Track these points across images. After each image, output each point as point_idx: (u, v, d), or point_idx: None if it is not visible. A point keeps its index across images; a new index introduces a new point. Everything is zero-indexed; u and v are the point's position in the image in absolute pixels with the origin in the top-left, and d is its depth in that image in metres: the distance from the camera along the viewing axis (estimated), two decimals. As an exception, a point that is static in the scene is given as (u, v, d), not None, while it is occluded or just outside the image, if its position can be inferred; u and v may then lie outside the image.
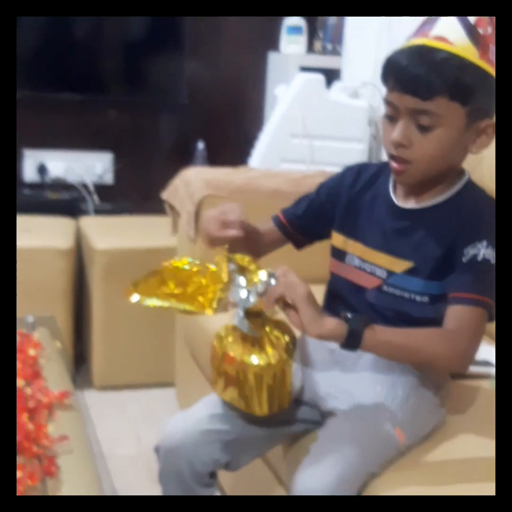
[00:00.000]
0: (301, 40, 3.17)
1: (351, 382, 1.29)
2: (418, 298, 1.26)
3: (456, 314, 1.20)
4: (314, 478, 1.15)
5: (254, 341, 1.19)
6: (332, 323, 1.12)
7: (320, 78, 2.57)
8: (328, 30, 3.24)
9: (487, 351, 1.56)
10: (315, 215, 1.42)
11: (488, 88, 1.20)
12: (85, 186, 3.11)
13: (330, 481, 1.14)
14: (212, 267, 1.16)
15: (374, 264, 1.30)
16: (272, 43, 3.23)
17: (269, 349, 1.19)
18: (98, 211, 3.00)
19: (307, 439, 1.30)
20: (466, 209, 1.25)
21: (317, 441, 1.23)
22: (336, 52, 3.14)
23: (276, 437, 1.36)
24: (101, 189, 3.16)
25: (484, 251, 1.21)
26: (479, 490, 1.04)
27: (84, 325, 2.62)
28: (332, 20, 3.21)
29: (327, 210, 1.39)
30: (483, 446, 1.24)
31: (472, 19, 1.19)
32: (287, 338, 1.21)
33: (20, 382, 1.42)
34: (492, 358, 1.53)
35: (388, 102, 1.23)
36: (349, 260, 1.34)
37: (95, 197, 3.11)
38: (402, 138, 1.21)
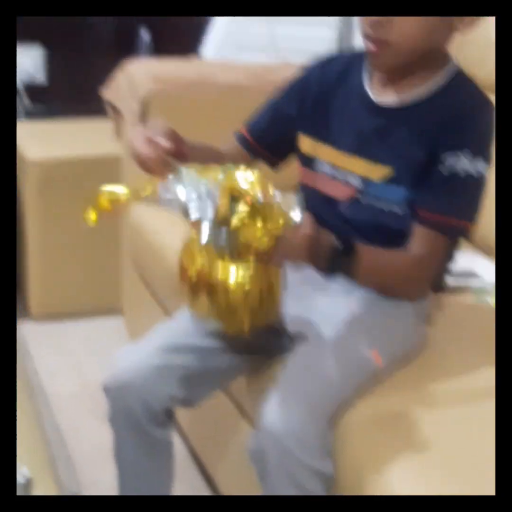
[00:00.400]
0: None
1: (323, 302, 1.31)
2: (397, 209, 1.27)
3: (424, 237, 1.23)
4: (283, 409, 1.18)
5: (232, 258, 1.12)
6: (308, 254, 1.13)
7: None
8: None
9: (470, 261, 1.59)
10: (282, 125, 1.41)
11: None
12: (11, 85, 3.05)
13: (301, 411, 1.17)
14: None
15: (349, 171, 1.30)
16: None
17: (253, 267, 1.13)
18: (29, 114, 2.96)
19: (274, 367, 1.32)
20: (452, 106, 1.25)
21: (285, 369, 1.25)
22: None
23: (238, 366, 1.37)
24: (32, 89, 3.10)
25: (465, 162, 1.21)
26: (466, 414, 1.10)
27: (18, 246, 2.61)
28: None
29: (294, 115, 1.38)
30: (473, 369, 1.29)
31: None
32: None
33: None
34: (476, 268, 1.56)
35: None
36: (319, 168, 1.34)
37: (25, 99, 3.05)
38: (377, 18, 1.19)
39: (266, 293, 1.16)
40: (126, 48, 3.04)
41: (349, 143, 1.30)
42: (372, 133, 1.29)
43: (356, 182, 1.29)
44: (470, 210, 1.24)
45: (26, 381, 1.36)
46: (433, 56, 1.26)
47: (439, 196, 1.23)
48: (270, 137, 1.42)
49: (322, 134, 1.34)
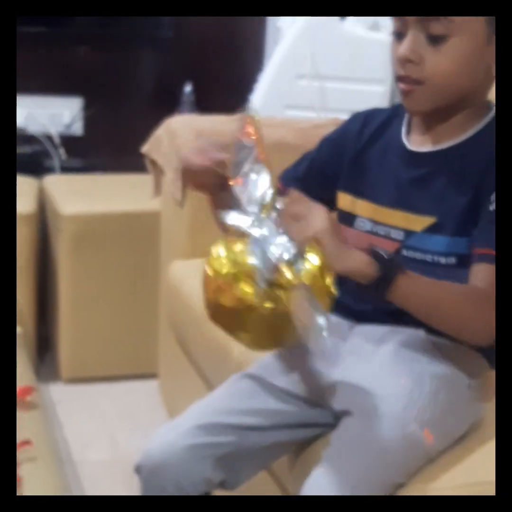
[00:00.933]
0: (310, -39, 3.14)
1: (368, 376, 1.28)
2: (443, 260, 1.26)
3: (486, 272, 1.20)
4: (325, 488, 1.15)
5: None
6: (361, 259, 1.12)
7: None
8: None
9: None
10: (318, 178, 1.42)
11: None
12: (49, 138, 3.09)
13: (345, 491, 1.13)
14: None
15: (389, 225, 1.30)
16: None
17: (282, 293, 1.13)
18: (65, 169, 2.98)
19: (317, 445, 1.29)
20: (491, 148, 1.23)
21: (329, 447, 1.22)
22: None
23: (280, 445, 1.34)
24: (69, 142, 3.14)
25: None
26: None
27: (49, 304, 2.62)
28: None
29: (331, 170, 1.40)
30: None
31: None
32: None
33: (-28, 375, 1.42)
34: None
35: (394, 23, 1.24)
36: (359, 225, 1.34)
37: (62, 151, 3.09)
38: (410, 52, 1.22)
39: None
40: (169, 102, 3.08)
41: (389, 196, 1.31)
42: (411, 183, 1.30)
43: (398, 236, 1.30)
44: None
45: (54, 448, 1.35)
46: (471, 100, 1.27)
47: (491, 231, 1.20)
48: (304, 188, 1.42)
49: (361, 190, 1.35)
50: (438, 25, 1.20)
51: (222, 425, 1.29)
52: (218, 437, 1.29)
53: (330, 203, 1.39)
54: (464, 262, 1.24)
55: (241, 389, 1.34)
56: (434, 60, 1.22)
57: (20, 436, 1.27)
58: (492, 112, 1.29)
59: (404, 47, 1.23)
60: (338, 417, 1.27)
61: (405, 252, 1.28)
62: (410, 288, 1.16)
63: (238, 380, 1.36)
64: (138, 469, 1.33)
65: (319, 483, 1.16)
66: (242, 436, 1.30)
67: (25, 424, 1.33)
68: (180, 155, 1.28)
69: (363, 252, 1.13)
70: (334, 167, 1.40)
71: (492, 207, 1.21)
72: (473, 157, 1.26)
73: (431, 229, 1.26)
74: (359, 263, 1.12)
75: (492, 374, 1.34)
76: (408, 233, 1.28)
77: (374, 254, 1.14)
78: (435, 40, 1.21)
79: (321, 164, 1.42)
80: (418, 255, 1.28)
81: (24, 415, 1.37)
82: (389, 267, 1.14)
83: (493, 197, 1.21)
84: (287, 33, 2.61)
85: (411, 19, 1.21)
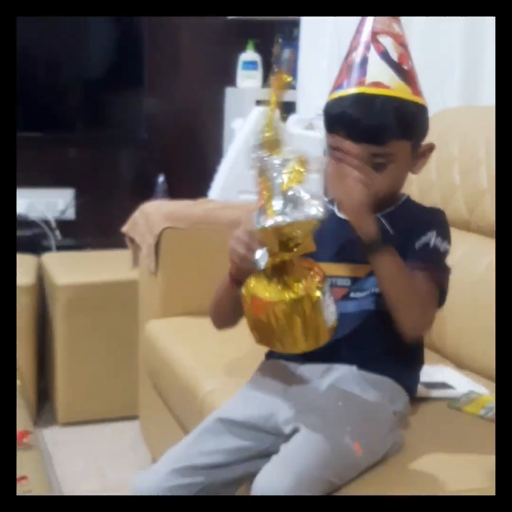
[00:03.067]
0: (257, 75, 3.19)
1: (311, 402, 1.27)
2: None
3: (420, 278, 1.26)
4: (272, 479, 1.13)
5: (278, 281, 1.15)
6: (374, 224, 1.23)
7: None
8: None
9: (444, 373, 1.56)
10: None
11: (424, 118, 1.32)
12: (47, 222, 3.07)
13: (289, 482, 1.12)
14: None
15: (336, 276, 1.31)
16: (229, 78, 3.24)
17: (295, 285, 1.15)
18: (60, 247, 2.95)
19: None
20: (413, 214, 1.35)
21: (278, 453, 1.20)
22: (290, 85, 3.16)
23: (243, 477, 1.30)
24: (63, 225, 3.12)
25: (434, 239, 1.29)
26: None
27: (47, 361, 2.57)
28: (286, 54, 3.23)
29: None
30: (444, 468, 1.23)
31: (394, 56, 1.28)
32: (316, 278, 1.16)
33: (-22, 423, 1.38)
34: (449, 380, 1.52)
35: (337, 148, 1.27)
36: None
37: (57, 233, 3.07)
38: (358, 184, 1.23)
39: (310, 313, 1.15)
40: (146, 191, 3.08)
41: (332, 253, 1.32)
42: (350, 241, 1.29)
43: (345, 283, 1.31)
44: (443, 275, 1.30)
45: (48, 482, 1.30)
46: (395, 196, 1.35)
47: (420, 260, 1.28)
48: None
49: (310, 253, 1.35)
50: (381, 158, 1.25)
51: (193, 467, 1.26)
52: (191, 478, 1.26)
53: None
54: None
55: (208, 432, 1.31)
56: (377, 182, 1.26)
57: (18, 472, 1.23)
58: (405, 196, 1.36)
59: (354, 183, 1.24)
60: (288, 439, 1.23)
61: (352, 294, 1.31)
62: (392, 258, 1.23)
63: (206, 423, 1.33)
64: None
65: (267, 476, 1.14)
66: (211, 474, 1.27)
67: (23, 462, 1.28)
68: (232, 245, 1.25)
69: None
70: None
71: (418, 245, 1.28)
72: (399, 218, 1.32)
73: (372, 273, 1.28)
74: (372, 225, 1.22)
75: (411, 405, 1.34)
76: (354, 279, 1.31)
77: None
78: (378, 168, 1.26)
79: None
80: (362, 294, 1.30)
81: (22, 455, 1.32)
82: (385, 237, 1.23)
83: (418, 242, 1.28)
84: (239, 133, 2.60)
85: (356, 153, 1.24)
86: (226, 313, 1.39)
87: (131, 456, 2.23)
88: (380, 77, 1.26)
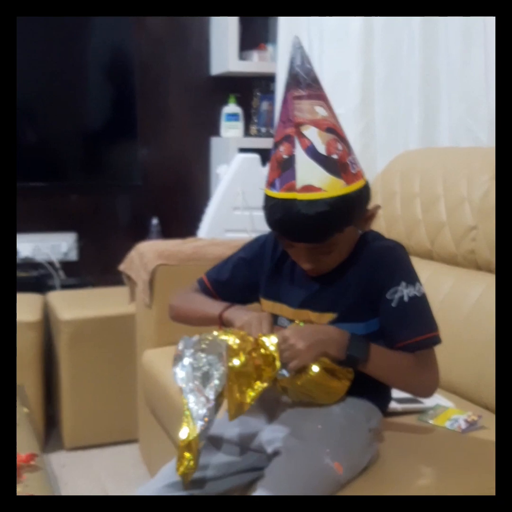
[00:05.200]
0: (239, 125, 3.23)
1: (292, 425, 1.26)
2: None
3: (416, 357, 1.22)
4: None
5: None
6: (343, 347, 1.18)
7: (256, 157, 2.61)
8: (262, 116, 3.31)
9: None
10: (241, 285, 1.38)
11: (363, 196, 1.21)
12: (51, 263, 3.07)
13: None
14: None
15: (303, 322, 1.28)
16: (214, 129, 3.28)
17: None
18: (64, 286, 2.95)
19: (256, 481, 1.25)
20: (373, 253, 1.25)
21: (263, 478, 1.19)
22: (269, 134, 3.20)
23: (232, 489, 1.30)
24: (67, 266, 3.12)
25: (406, 290, 1.21)
26: None
27: (53, 390, 2.55)
28: (264, 106, 3.28)
29: (253, 274, 1.36)
30: (417, 476, 1.23)
31: (321, 148, 1.15)
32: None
33: (-11, 448, 1.37)
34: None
35: (284, 242, 1.23)
36: (280, 322, 1.32)
37: (61, 273, 3.07)
38: (310, 265, 1.23)
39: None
40: (141, 232, 3.09)
41: (300, 301, 1.29)
42: (314, 293, 1.28)
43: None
44: (431, 321, 1.24)
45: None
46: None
47: (403, 325, 1.22)
48: (228, 291, 1.40)
49: (279, 297, 1.33)
50: (326, 248, 1.20)
51: (183, 483, 1.25)
52: (183, 491, 1.25)
53: (246, 301, 1.37)
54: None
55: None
56: (328, 260, 1.23)
57: (26, 492, 1.23)
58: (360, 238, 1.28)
59: (305, 265, 1.23)
60: (270, 459, 1.24)
61: None
62: (376, 361, 1.19)
63: None
64: None
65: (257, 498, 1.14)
66: (203, 487, 1.26)
67: (30, 482, 1.29)
68: (246, 325, 1.23)
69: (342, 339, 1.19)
70: (254, 279, 1.36)
71: (394, 303, 1.20)
72: (359, 266, 1.25)
73: (334, 321, 1.25)
74: (338, 352, 1.18)
75: (384, 420, 1.35)
76: None
77: (352, 337, 1.18)
78: (326, 252, 1.21)
79: (243, 273, 1.38)
80: None
81: (30, 476, 1.32)
82: (363, 348, 1.19)
83: (391, 295, 1.21)
84: (224, 177, 2.63)
85: (303, 248, 1.21)
86: (192, 323, 1.37)
87: (131, 476, 2.21)
88: (310, 179, 1.14)
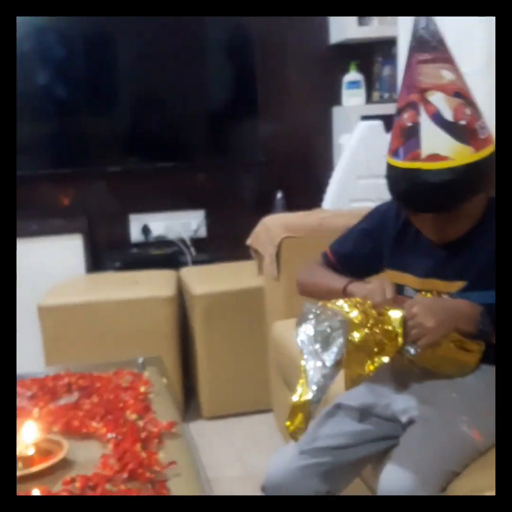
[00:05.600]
0: (360, 93, 3.16)
1: (428, 391, 1.24)
2: None
3: None
4: (397, 479, 1.12)
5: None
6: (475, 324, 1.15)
7: (379, 124, 2.55)
8: (384, 81, 3.22)
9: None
10: (364, 255, 1.37)
11: (493, 163, 1.14)
12: (183, 241, 3.16)
13: (413, 480, 1.10)
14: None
15: (431, 292, 1.25)
16: (335, 98, 3.23)
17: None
18: (195, 262, 3.03)
19: (392, 453, 1.24)
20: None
21: (398, 448, 1.19)
22: (392, 100, 3.11)
23: (366, 457, 1.31)
24: (197, 242, 3.20)
25: None
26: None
27: (190, 362, 2.64)
28: (386, 71, 3.19)
29: (376, 244, 1.34)
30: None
31: (448, 114, 1.10)
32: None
33: (132, 416, 1.44)
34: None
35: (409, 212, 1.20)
36: (406, 292, 1.29)
37: (192, 250, 3.16)
38: (437, 235, 1.20)
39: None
40: (266, 207, 3.12)
41: (427, 270, 1.26)
42: (443, 261, 1.24)
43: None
44: None
45: (194, 467, 1.32)
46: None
47: None
48: (352, 263, 1.38)
49: (404, 266, 1.30)
50: (455, 212, 1.16)
51: (319, 449, 1.28)
52: (318, 458, 1.27)
53: (369, 273, 1.36)
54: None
55: (330, 417, 1.32)
56: (458, 226, 1.20)
57: (168, 458, 1.27)
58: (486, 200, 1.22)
59: (434, 237, 1.21)
60: (404, 428, 1.24)
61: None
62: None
63: (329, 409, 1.34)
64: (263, 489, 1.32)
65: (390, 475, 1.13)
66: (336, 455, 1.27)
67: (171, 450, 1.33)
68: (380, 290, 1.21)
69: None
70: (379, 242, 1.34)
71: None
72: (485, 235, 1.20)
73: (465, 289, 1.22)
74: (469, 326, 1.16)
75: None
76: (448, 295, 1.24)
77: (483, 311, 1.16)
78: (453, 222, 1.18)
79: (366, 244, 1.36)
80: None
81: (171, 443, 1.36)
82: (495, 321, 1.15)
83: None
84: (347, 147, 2.60)
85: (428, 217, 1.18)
86: (318, 297, 1.35)
87: (267, 444, 2.25)
88: (436, 148, 1.10)
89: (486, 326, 1.15)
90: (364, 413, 1.30)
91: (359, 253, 1.38)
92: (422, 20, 1.15)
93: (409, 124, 1.13)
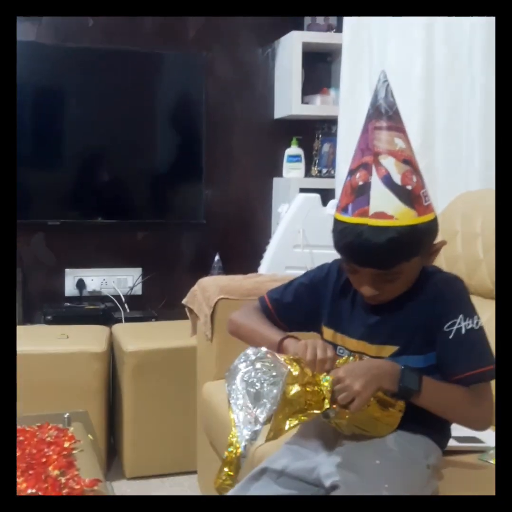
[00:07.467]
0: (300, 166, 3.26)
1: (353, 456, 1.23)
2: None
3: (470, 391, 1.20)
4: None
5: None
6: (395, 380, 1.16)
7: (316, 196, 2.62)
8: (323, 157, 3.33)
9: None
10: (302, 310, 1.37)
11: (433, 230, 1.20)
12: (117, 297, 3.12)
13: None
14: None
15: (363, 353, 1.27)
16: (276, 170, 3.32)
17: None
18: (129, 319, 2.99)
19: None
20: (430, 290, 1.24)
21: None
22: (330, 175, 3.22)
23: None
24: (132, 299, 3.17)
25: (464, 323, 1.20)
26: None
27: (116, 419, 2.57)
28: (325, 148, 3.30)
29: (315, 300, 1.35)
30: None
31: (397, 178, 1.16)
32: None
33: (54, 472, 1.38)
34: (478, 434, 1.47)
35: (349, 267, 1.22)
36: (339, 352, 1.31)
37: (126, 307, 3.12)
38: (372, 293, 1.22)
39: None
40: (203, 268, 3.13)
41: (360, 332, 1.28)
42: (375, 325, 1.27)
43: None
44: (488, 355, 1.21)
45: None
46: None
47: (459, 358, 1.20)
48: (289, 314, 1.39)
49: (340, 326, 1.32)
50: (391, 275, 1.19)
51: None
52: None
53: (305, 328, 1.37)
54: (423, 372, 1.22)
55: (255, 480, 1.28)
56: (391, 289, 1.21)
57: (89, 516, 1.22)
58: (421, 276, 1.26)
59: (367, 292, 1.21)
60: (328, 493, 1.21)
61: None
62: (428, 393, 1.18)
63: (254, 473, 1.30)
64: None
65: None
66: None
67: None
68: (310, 348, 1.21)
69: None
70: (316, 306, 1.36)
71: (451, 335, 1.19)
72: (417, 300, 1.24)
73: (396, 354, 1.23)
74: (392, 385, 1.17)
75: (443, 458, 1.31)
76: (379, 358, 1.25)
77: (404, 368, 1.17)
78: (390, 280, 1.20)
79: (305, 299, 1.37)
80: None
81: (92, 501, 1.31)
82: (416, 379, 1.17)
83: (450, 328, 1.19)
84: (285, 216, 2.64)
85: (368, 273, 1.19)
86: (249, 342, 1.35)
87: (189, 508, 2.18)
88: (383, 206, 1.14)
89: (408, 383, 1.17)
90: (288, 478, 1.28)
91: (298, 305, 1.38)
92: (382, 90, 1.20)
93: (361, 183, 1.17)
